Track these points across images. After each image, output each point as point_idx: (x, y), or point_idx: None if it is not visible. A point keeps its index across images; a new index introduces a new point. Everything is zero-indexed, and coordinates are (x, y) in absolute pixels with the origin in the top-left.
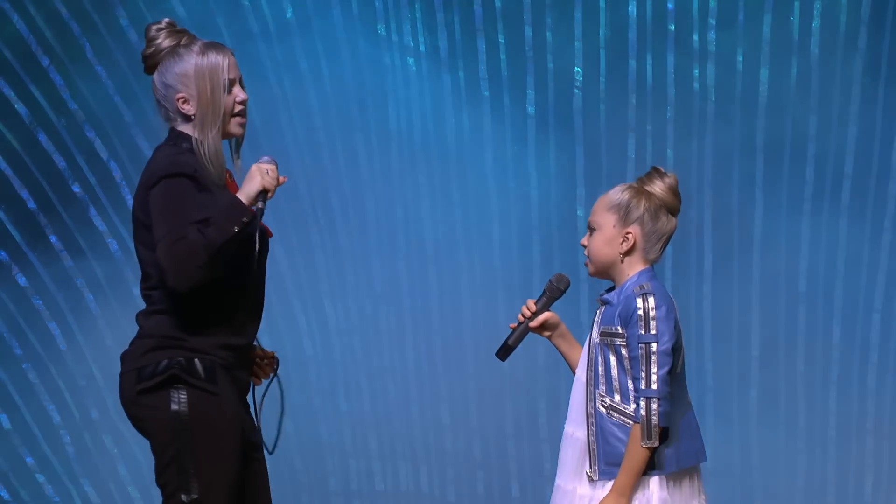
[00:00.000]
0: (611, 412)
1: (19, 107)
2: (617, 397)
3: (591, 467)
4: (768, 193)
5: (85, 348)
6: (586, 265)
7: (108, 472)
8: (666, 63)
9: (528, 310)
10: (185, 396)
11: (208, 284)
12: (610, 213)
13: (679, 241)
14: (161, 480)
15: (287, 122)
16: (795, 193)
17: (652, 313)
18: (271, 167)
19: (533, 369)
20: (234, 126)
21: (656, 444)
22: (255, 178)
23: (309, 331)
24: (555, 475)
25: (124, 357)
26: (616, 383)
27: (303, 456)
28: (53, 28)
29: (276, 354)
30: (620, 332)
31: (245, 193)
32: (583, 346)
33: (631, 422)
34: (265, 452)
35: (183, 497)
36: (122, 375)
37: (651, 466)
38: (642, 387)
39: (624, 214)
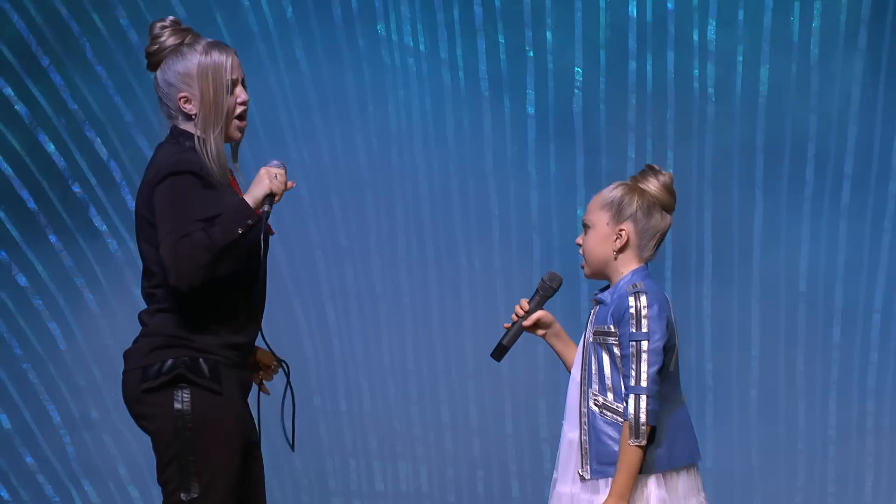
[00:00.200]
0: (604, 411)
1: (19, 107)
2: (610, 396)
3: (582, 466)
4: (768, 193)
5: (85, 348)
6: (582, 267)
7: (108, 472)
8: (666, 63)
9: (522, 309)
10: (189, 396)
11: (211, 284)
12: (603, 210)
13: (679, 242)
14: (162, 478)
15: (287, 122)
16: (795, 193)
17: (644, 312)
18: (280, 171)
19: (533, 369)
20: (233, 130)
21: (644, 442)
22: (262, 181)
23: (309, 331)
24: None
25: (128, 355)
26: (609, 382)
27: (303, 456)
28: (53, 28)
29: (285, 361)
30: (613, 331)
31: (252, 196)
32: (577, 345)
33: (622, 420)
34: (290, 449)
35: (182, 496)
36: (125, 373)
37: (645, 467)
38: (632, 384)
39: (617, 212)
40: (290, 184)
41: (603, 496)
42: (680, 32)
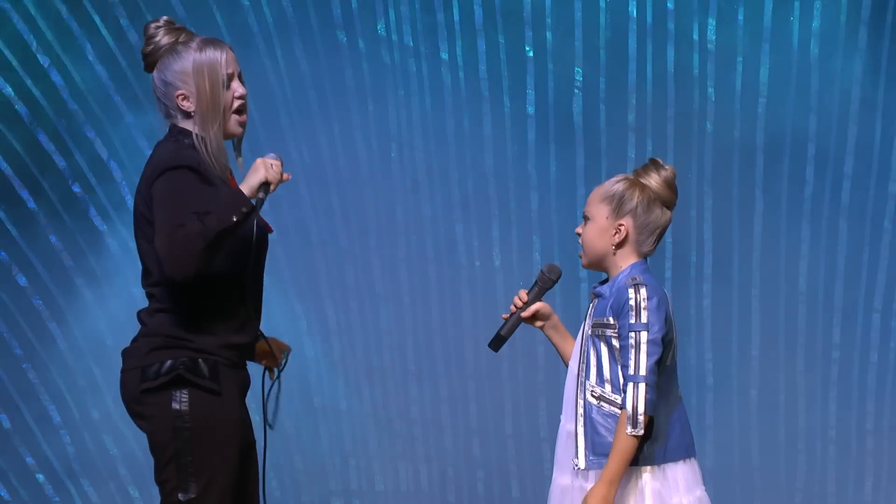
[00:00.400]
0: (601, 402)
1: (19, 107)
2: (607, 388)
3: (577, 457)
4: (768, 193)
5: (85, 348)
6: (580, 256)
7: (108, 472)
8: (666, 63)
9: (521, 300)
10: (187, 396)
11: (205, 278)
12: (603, 204)
13: (679, 241)
14: (160, 478)
15: (287, 122)
16: (795, 193)
17: (643, 304)
18: (276, 162)
19: (533, 369)
20: (233, 125)
21: (641, 432)
22: (258, 170)
23: (309, 331)
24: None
25: (127, 354)
26: (607, 374)
27: (303, 456)
28: (53, 28)
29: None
30: (612, 323)
31: (247, 185)
32: (575, 338)
33: (620, 412)
34: (266, 429)
35: (180, 496)
36: (124, 372)
37: (641, 459)
38: (630, 373)
39: (617, 206)
40: (285, 175)
41: None
42: (680, 32)
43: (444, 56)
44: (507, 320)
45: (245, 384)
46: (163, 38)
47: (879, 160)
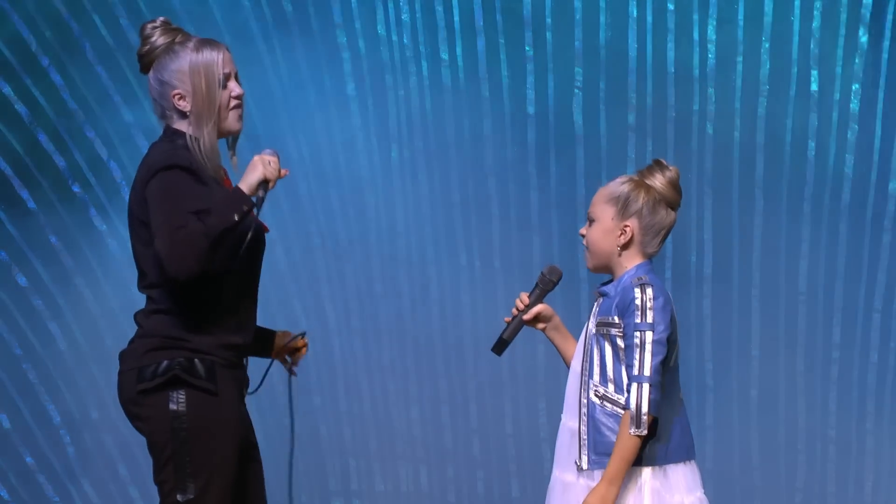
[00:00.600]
0: (604, 402)
1: (19, 107)
2: (611, 387)
3: (580, 457)
4: (768, 193)
5: (85, 348)
6: (586, 258)
7: (108, 472)
8: (666, 63)
9: (522, 303)
10: (184, 396)
11: (205, 279)
12: (609, 205)
13: (679, 241)
14: (158, 479)
15: (287, 122)
16: (795, 193)
17: (649, 304)
18: (273, 158)
19: (533, 368)
20: (232, 121)
21: (644, 432)
22: (256, 168)
23: (309, 331)
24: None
25: (124, 356)
26: (610, 373)
27: (303, 456)
28: (53, 28)
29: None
30: (617, 322)
31: (246, 183)
32: (577, 338)
33: (623, 411)
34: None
35: (179, 497)
36: (121, 374)
37: (642, 459)
38: (635, 373)
39: (622, 207)
40: (283, 171)
41: None
42: (680, 32)
43: (444, 56)
44: (509, 324)
45: (243, 384)
46: (159, 39)
47: (879, 160)
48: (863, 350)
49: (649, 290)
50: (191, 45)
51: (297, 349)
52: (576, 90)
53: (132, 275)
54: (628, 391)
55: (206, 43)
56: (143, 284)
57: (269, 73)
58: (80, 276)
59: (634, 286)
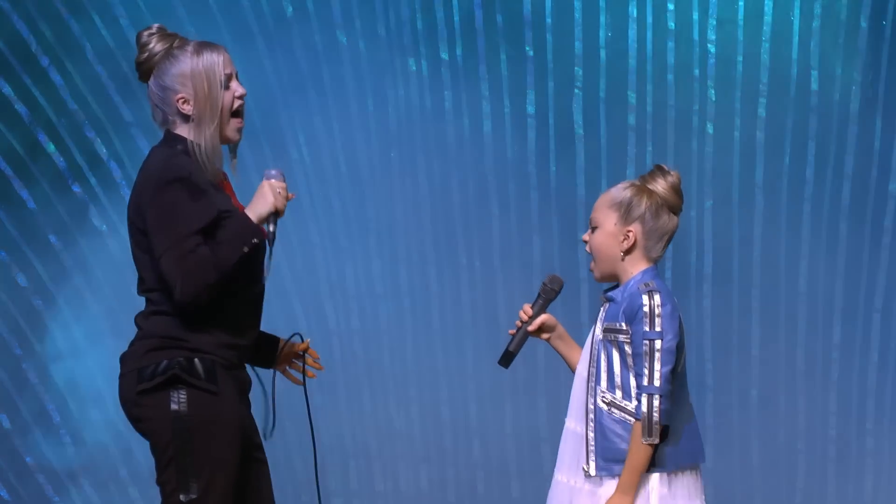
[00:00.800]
0: (612, 409)
1: (19, 107)
2: (618, 394)
3: (588, 463)
4: (768, 193)
5: (85, 348)
6: (591, 269)
7: (108, 472)
8: (666, 63)
9: (525, 314)
10: (185, 396)
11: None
12: (611, 210)
13: (679, 242)
14: (160, 480)
15: (287, 123)
16: (795, 193)
17: (657, 311)
18: (282, 185)
19: (533, 369)
20: (231, 131)
21: (657, 441)
22: (267, 198)
23: (309, 331)
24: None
25: (124, 358)
26: (618, 380)
27: (303, 456)
28: (53, 28)
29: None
30: (624, 328)
31: (255, 212)
32: (582, 345)
33: (631, 418)
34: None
35: (181, 497)
36: (122, 376)
37: (651, 464)
38: (645, 383)
39: (625, 213)
40: (290, 195)
41: (605, 492)
42: (680, 32)
43: (444, 56)
44: (513, 335)
45: (244, 384)
46: (157, 45)
47: (879, 160)
48: (863, 350)
49: (657, 297)
50: (190, 48)
51: (299, 353)
52: (576, 90)
53: (132, 275)
54: (638, 400)
55: (206, 45)
56: (143, 288)
57: (269, 73)
58: (80, 275)
59: (642, 293)
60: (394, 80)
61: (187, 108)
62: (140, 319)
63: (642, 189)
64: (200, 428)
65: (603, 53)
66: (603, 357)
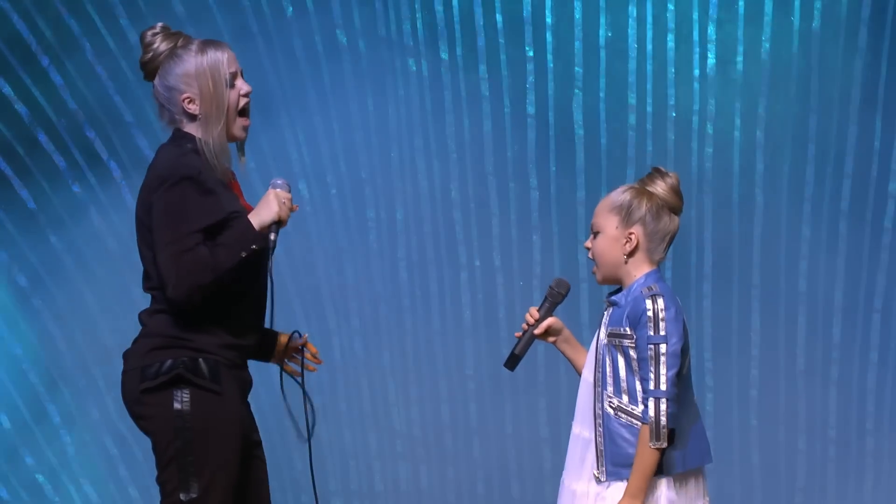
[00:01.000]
0: (618, 413)
1: (19, 107)
2: (625, 398)
3: (598, 468)
4: (768, 193)
5: (85, 348)
6: (594, 272)
7: (108, 472)
8: (666, 63)
9: (532, 317)
10: (188, 396)
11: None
12: (612, 214)
13: (679, 241)
14: (161, 478)
15: (287, 122)
16: (795, 193)
17: (661, 314)
18: (287, 196)
19: (533, 369)
20: (237, 129)
21: (664, 445)
22: (271, 206)
23: (309, 331)
24: (558, 474)
25: (128, 355)
26: (624, 384)
27: (303, 456)
28: (53, 28)
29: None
30: (629, 333)
31: (258, 218)
32: (587, 348)
33: (638, 423)
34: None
35: (182, 496)
36: (125, 373)
37: (659, 469)
38: (651, 388)
39: (626, 215)
40: (294, 207)
41: (614, 497)
42: (680, 32)
43: (444, 56)
44: (520, 339)
45: (246, 385)
46: (161, 45)
47: (879, 160)
48: (863, 350)
49: (660, 301)
50: (194, 47)
51: (298, 348)
52: (576, 90)
53: (132, 274)
54: (645, 405)
55: (210, 44)
56: (148, 285)
57: (269, 73)
58: (80, 275)
59: (645, 297)
60: (394, 80)
61: (193, 108)
62: (144, 316)
63: (642, 191)
64: (203, 427)
65: (603, 53)
66: (608, 362)
